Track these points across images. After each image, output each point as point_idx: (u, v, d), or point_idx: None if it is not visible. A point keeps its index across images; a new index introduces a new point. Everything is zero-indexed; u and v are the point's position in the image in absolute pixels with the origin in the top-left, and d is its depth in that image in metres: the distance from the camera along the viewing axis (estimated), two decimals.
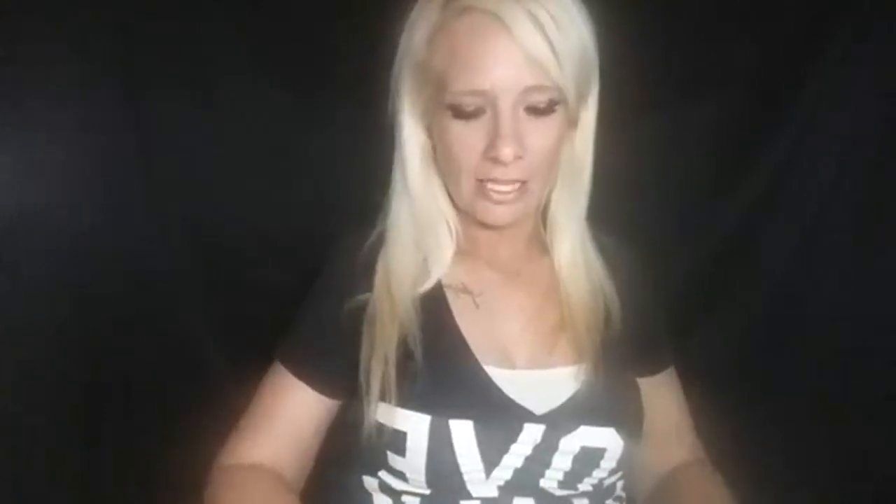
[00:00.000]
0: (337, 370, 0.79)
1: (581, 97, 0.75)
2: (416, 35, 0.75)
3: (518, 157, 0.72)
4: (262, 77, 1.09)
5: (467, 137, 0.73)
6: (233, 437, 0.82)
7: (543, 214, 0.84)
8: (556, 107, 0.73)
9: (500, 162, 0.72)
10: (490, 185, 0.74)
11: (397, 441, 0.74)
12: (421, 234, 0.80)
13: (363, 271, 0.81)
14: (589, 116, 0.79)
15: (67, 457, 1.05)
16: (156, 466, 1.06)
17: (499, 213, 0.76)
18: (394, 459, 0.75)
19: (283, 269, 1.10)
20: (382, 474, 0.78)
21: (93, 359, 1.06)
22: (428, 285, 0.80)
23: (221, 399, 1.10)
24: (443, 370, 0.76)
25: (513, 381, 0.76)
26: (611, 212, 0.87)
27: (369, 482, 0.80)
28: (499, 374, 0.77)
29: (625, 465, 0.79)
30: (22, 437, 1.02)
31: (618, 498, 0.82)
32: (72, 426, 1.06)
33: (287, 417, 0.81)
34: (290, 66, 1.08)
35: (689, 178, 1.15)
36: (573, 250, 0.82)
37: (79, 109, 1.01)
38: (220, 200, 1.12)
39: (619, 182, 0.96)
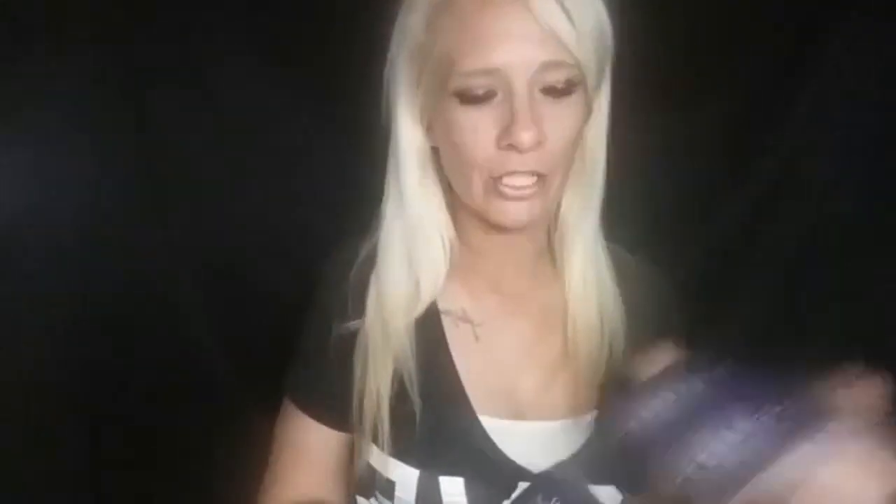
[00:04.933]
0: (345, 403, 0.74)
1: (597, 81, 0.67)
2: (412, 17, 0.66)
3: (538, 143, 0.62)
4: (263, 77, 1.08)
5: (478, 125, 0.63)
6: (265, 488, 0.79)
7: (554, 220, 0.75)
8: (575, 88, 0.64)
9: (517, 149, 0.62)
10: (506, 181, 0.65)
11: (387, 487, 0.72)
12: (413, 251, 0.72)
13: (355, 292, 0.74)
14: (602, 106, 0.70)
15: (66, 457, 1.07)
16: (156, 468, 1.06)
17: (515, 212, 0.66)
18: (383, 501, 0.73)
19: (283, 269, 1.08)
20: (374, 501, 0.75)
21: (91, 358, 1.07)
22: (420, 309, 0.73)
23: (222, 399, 1.11)
24: (436, 421, 0.70)
25: (510, 435, 0.71)
26: (611, 212, 0.84)
27: (363, 503, 0.77)
28: (495, 427, 0.71)
29: None
30: (21, 438, 1.03)
31: None
32: (71, 426, 1.07)
33: (313, 457, 0.77)
34: (291, 66, 1.07)
35: (690, 178, 1.12)
36: (585, 263, 0.74)
37: (79, 109, 1.02)
38: (220, 200, 1.11)
39: (619, 182, 0.95)
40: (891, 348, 1.06)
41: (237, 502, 0.81)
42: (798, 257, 1.13)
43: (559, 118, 0.64)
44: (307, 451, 0.78)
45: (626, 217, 0.80)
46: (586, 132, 0.70)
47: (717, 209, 1.16)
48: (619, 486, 0.70)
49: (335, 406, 0.74)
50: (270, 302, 1.05)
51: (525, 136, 0.62)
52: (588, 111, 0.68)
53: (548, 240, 0.77)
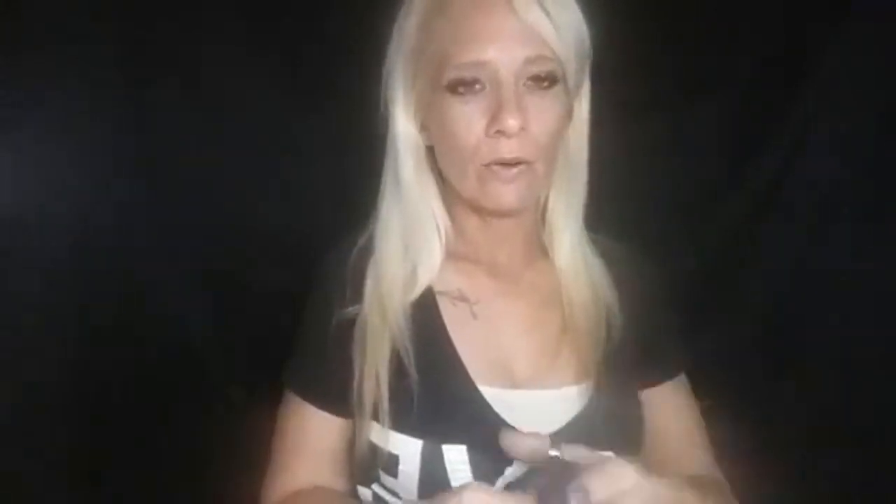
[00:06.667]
0: (346, 388, 0.75)
1: (577, 81, 0.74)
2: (409, 21, 0.73)
3: (522, 129, 0.69)
4: (264, 78, 1.10)
5: (468, 116, 0.70)
6: (268, 478, 0.80)
7: (542, 216, 0.81)
8: (556, 83, 0.71)
9: (504, 134, 0.69)
10: (496, 168, 0.71)
11: (389, 463, 0.73)
12: (410, 238, 0.77)
13: (353, 281, 0.77)
14: (582, 109, 0.77)
15: (67, 454, 1.06)
16: (156, 466, 1.06)
17: (507, 195, 0.71)
18: (386, 479, 0.74)
19: (283, 267, 1.08)
20: (375, 487, 0.77)
21: (92, 358, 1.07)
22: (417, 291, 0.76)
23: (222, 397, 1.12)
24: (436, 392, 0.73)
25: (510, 403, 0.73)
26: (611, 212, 0.84)
27: (363, 492, 0.79)
28: (495, 395, 0.73)
29: None
30: (21, 437, 1.03)
31: None
32: (71, 425, 1.07)
33: (314, 446, 0.79)
34: (292, 67, 1.09)
35: (690, 178, 1.15)
36: (573, 250, 0.80)
37: (78, 110, 1.02)
38: (220, 200, 1.12)
39: (620, 182, 0.95)
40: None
41: (240, 496, 0.82)
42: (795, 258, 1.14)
43: (542, 110, 0.71)
44: (309, 440, 0.79)
45: (615, 218, 0.85)
46: (569, 134, 0.76)
47: (710, 210, 1.18)
48: (618, 452, 0.71)
49: (335, 391, 0.76)
50: (270, 300, 1.05)
51: (510, 123, 0.68)
52: (569, 110, 0.74)
53: (537, 236, 0.82)
